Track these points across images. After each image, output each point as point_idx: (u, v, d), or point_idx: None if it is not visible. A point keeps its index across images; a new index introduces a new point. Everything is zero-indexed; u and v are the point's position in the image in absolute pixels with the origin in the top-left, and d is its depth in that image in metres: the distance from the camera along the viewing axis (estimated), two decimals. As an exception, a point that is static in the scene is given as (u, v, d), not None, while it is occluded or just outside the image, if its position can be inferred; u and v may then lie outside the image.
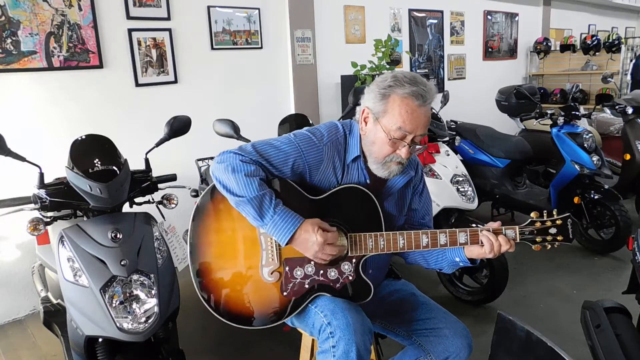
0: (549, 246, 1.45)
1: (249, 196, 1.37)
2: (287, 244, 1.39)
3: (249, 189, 1.38)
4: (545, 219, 1.44)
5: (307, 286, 1.47)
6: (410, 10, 5.63)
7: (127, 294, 1.66)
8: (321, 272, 1.48)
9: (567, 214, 1.44)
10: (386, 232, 1.46)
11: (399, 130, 1.40)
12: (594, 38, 7.27)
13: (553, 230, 1.44)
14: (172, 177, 2.15)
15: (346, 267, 1.48)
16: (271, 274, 1.48)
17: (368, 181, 1.52)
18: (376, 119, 1.44)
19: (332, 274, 1.48)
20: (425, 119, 1.43)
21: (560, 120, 3.66)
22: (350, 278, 1.48)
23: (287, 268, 1.48)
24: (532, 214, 1.45)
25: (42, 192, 1.81)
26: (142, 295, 1.68)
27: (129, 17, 3.34)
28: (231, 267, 1.50)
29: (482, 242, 1.43)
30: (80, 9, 3.11)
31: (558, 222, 1.43)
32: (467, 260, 1.50)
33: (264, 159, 1.44)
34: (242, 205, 1.40)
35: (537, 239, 1.44)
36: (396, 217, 1.61)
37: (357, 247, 1.46)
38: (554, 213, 1.45)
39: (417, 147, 1.47)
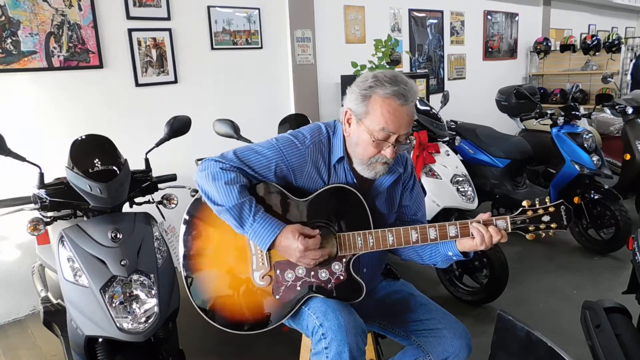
0: (543, 234, 1.42)
1: (228, 205, 1.38)
2: (268, 250, 1.40)
3: (228, 197, 1.38)
4: (537, 206, 1.42)
5: (299, 288, 1.47)
6: (410, 10, 5.63)
7: (127, 294, 1.66)
8: (312, 273, 1.47)
9: (561, 200, 1.42)
10: (375, 230, 1.45)
11: (382, 131, 1.39)
12: (594, 38, 7.28)
13: (546, 218, 1.40)
14: (172, 177, 2.15)
15: (337, 267, 1.47)
16: (262, 278, 1.48)
17: (355, 181, 1.52)
18: (359, 120, 1.43)
19: (323, 274, 1.47)
20: (408, 117, 1.41)
21: (560, 120, 3.66)
22: (342, 278, 1.47)
23: (277, 271, 1.47)
24: (524, 202, 1.42)
25: (42, 192, 1.81)
26: (142, 295, 1.68)
27: (129, 17, 3.34)
28: (223, 274, 1.50)
29: (472, 234, 1.41)
30: (80, 9, 3.11)
31: (551, 209, 1.41)
32: (459, 254, 1.48)
33: (245, 165, 1.44)
34: (223, 214, 1.40)
35: (530, 228, 1.41)
36: (386, 215, 1.60)
37: (346, 247, 1.46)
38: (547, 200, 1.42)
39: (403, 146, 1.45)
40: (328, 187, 1.48)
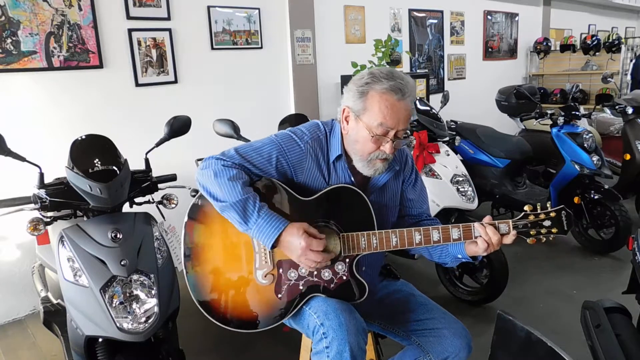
0: (544, 239, 1.44)
1: (231, 200, 1.37)
2: (272, 247, 1.38)
3: (232, 193, 1.38)
4: (539, 211, 1.43)
5: (301, 287, 1.47)
6: (410, 10, 5.63)
7: (127, 294, 1.66)
8: (315, 273, 1.47)
9: (562, 206, 1.43)
10: (379, 231, 1.46)
11: (380, 127, 1.40)
12: (594, 38, 7.28)
13: (547, 223, 1.42)
14: (172, 177, 2.15)
15: (340, 267, 1.48)
16: (265, 276, 1.47)
17: (353, 180, 1.52)
18: (357, 117, 1.44)
19: (326, 274, 1.47)
20: (405, 112, 1.42)
21: (560, 120, 3.66)
22: (345, 278, 1.48)
23: (280, 270, 1.47)
24: (526, 207, 1.44)
25: (42, 192, 1.81)
26: (142, 295, 1.68)
27: (129, 17, 3.34)
28: (226, 272, 1.49)
29: (475, 237, 1.43)
30: (80, 9, 3.11)
31: (552, 214, 1.43)
32: (468, 257, 1.50)
33: (247, 161, 1.44)
34: (227, 211, 1.40)
35: (532, 232, 1.43)
36: (387, 209, 1.60)
37: (350, 247, 1.46)
38: (548, 205, 1.45)
39: (402, 142, 1.46)
40: (332, 187, 1.48)
